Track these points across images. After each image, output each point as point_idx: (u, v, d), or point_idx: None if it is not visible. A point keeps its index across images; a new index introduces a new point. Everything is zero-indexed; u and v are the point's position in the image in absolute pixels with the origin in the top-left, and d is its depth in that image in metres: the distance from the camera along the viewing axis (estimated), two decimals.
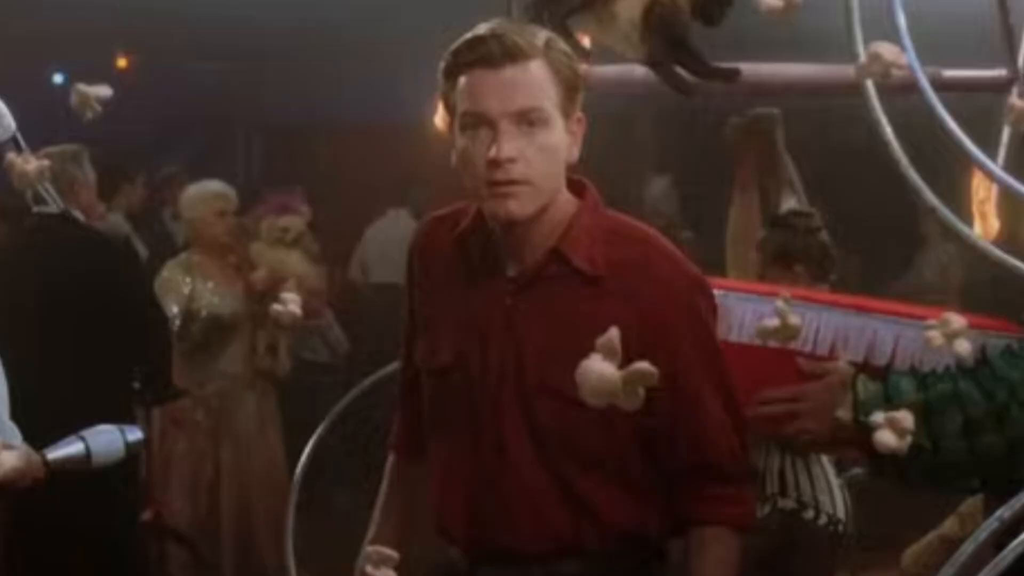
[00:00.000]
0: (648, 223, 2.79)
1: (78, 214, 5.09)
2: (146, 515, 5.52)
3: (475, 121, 2.52)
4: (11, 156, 2.32)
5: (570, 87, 2.57)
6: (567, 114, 2.56)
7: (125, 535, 5.13)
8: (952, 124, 2.78)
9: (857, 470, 4.22)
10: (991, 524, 2.43)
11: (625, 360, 2.21)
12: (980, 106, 4.33)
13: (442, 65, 2.58)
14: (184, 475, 6.28)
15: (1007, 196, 4.08)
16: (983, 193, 4.19)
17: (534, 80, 2.52)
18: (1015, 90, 4.37)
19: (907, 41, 2.92)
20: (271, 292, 6.28)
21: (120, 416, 4.10)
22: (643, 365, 2.12)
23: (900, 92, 3.27)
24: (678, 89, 3.13)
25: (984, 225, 4.24)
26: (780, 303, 2.70)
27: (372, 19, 7.83)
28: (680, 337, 2.55)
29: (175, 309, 5.97)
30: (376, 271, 9.46)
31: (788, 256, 4.19)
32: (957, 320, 1.90)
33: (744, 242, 4.61)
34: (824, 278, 4.29)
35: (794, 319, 2.72)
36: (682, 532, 2.67)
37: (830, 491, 4.21)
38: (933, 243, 8.88)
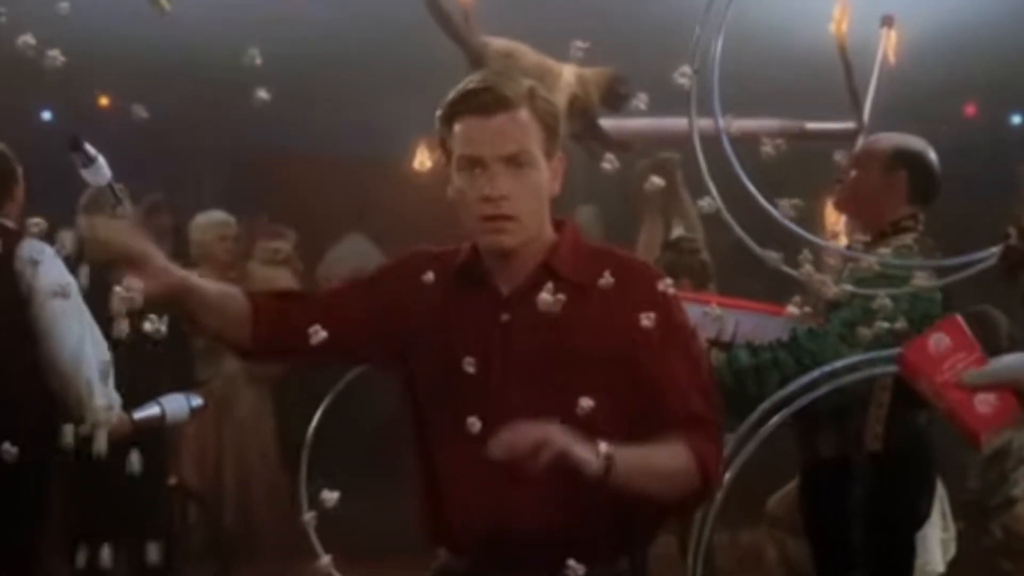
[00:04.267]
0: None
1: None
2: (171, 480, 6.09)
3: (470, 163, 2.65)
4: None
5: (551, 131, 2.70)
6: (549, 154, 2.69)
7: (155, 495, 5.73)
8: (743, 175, 3.59)
9: (727, 435, 5.17)
10: (757, 412, 3.60)
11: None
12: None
13: (439, 113, 2.71)
14: (194, 452, 6.97)
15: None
16: (833, 218, 5.06)
17: (522, 126, 2.64)
18: (861, 139, 5.30)
19: (716, 104, 3.60)
20: None
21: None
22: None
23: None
24: (591, 155, 4.22)
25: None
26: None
27: (337, 61, 8.31)
28: (659, 325, 2.61)
29: None
30: None
31: (676, 271, 4.81)
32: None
33: (648, 260, 5.24)
34: (704, 286, 5.13)
35: None
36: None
37: None
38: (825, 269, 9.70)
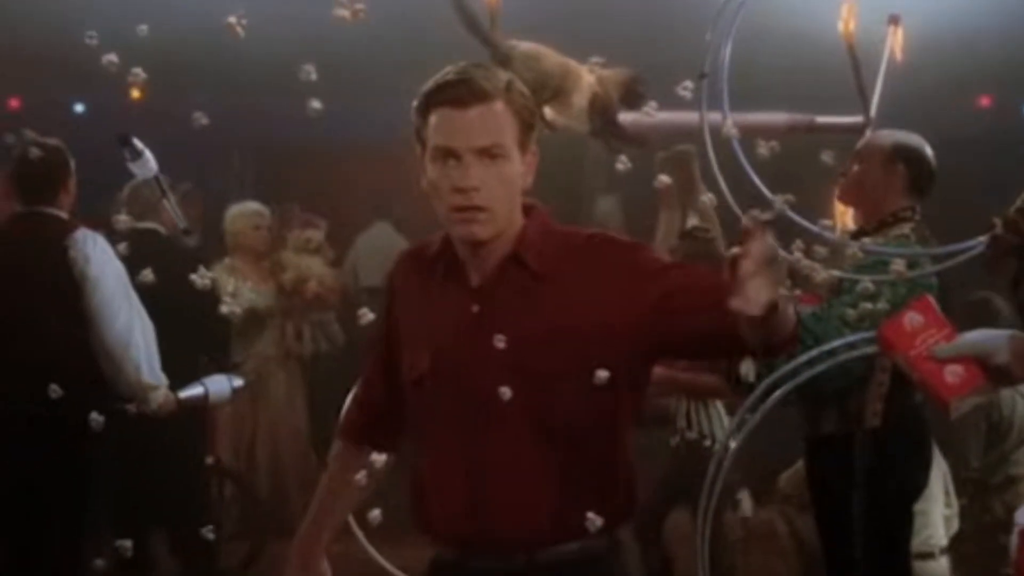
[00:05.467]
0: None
1: (161, 229, 5.90)
2: (209, 459, 6.38)
3: (444, 154, 2.61)
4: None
5: (527, 125, 2.68)
6: (523, 148, 2.67)
7: (195, 472, 6.06)
8: (753, 174, 3.90)
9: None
10: (762, 387, 3.87)
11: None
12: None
13: (415, 104, 2.68)
14: (229, 434, 7.19)
15: None
16: (841, 207, 5.10)
17: (496, 119, 2.63)
18: (868, 132, 5.30)
19: (726, 107, 3.84)
20: (297, 290, 7.52)
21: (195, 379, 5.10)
22: None
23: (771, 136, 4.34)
24: (611, 150, 4.46)
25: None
26: None
27: (364, 53, 8.39)
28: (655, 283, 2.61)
29: None
30: (364, 276, 9.67)
31: (691, 259, 5.04)
32: None
33: (665, 248, 5.51)
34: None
35: None
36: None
37: (722, 426, 5.37)
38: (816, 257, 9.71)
